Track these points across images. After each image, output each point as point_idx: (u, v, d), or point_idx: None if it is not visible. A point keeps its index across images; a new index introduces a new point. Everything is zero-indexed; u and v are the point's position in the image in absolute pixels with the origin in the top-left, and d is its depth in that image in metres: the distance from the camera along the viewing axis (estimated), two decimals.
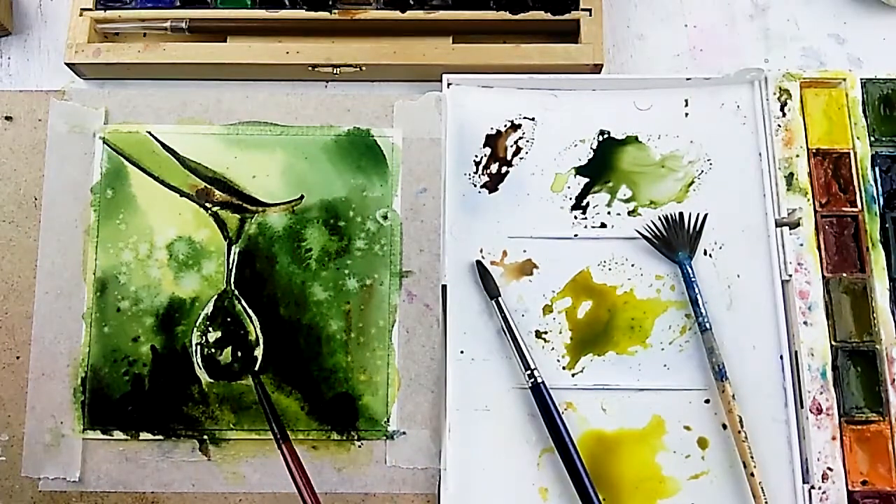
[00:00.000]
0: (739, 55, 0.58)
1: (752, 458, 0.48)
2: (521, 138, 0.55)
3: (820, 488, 0.49)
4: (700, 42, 0.59)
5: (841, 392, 0.50)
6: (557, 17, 0.56)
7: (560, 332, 0.52)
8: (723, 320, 0.51)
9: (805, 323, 0.51)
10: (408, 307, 0.52)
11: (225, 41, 0.56)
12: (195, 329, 0.51)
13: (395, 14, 0.56)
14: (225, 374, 0.51)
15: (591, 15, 0.56)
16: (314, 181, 0.53)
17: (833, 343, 0.51)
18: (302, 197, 0.53)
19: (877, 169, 0.54)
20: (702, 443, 0.50)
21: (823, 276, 0.52)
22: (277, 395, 0.50)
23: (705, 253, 0.52)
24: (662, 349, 0.51)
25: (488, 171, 0.54)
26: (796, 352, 0.51)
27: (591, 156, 0.54)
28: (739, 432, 0.48)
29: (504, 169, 0.54)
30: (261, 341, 0.51)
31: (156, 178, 0.53)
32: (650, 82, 0.55)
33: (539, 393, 0.49)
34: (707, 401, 0.50)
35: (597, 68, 0.56)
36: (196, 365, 0.51)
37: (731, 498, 0.49)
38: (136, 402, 0.50)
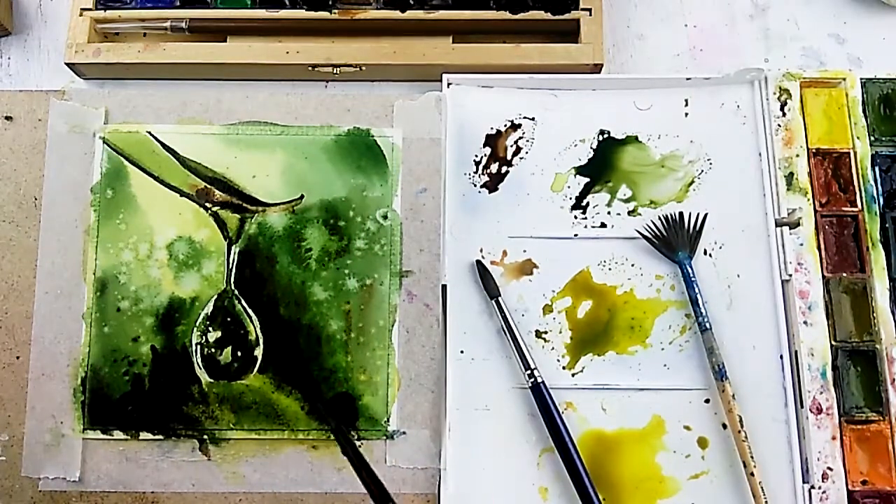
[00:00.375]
0: (739, 55, 0.58)
1: (752, 457, 0.48)
2: (521, 138, 0.55)
3: (820, 488, 0.49)
4: (700, 42, 0.59)
5: (841, 392, 0.50)
6: (557, 17, 0.56)
7: (560, 332, 0.52)
8: (723, 320, 0.51)
9: (805, 323, 0.51)
10: (408, 307, 0.52)
11: (225, 41, 0.56)
12: (195, 329, 0.51)
13: (395, 14, 0.56)
14: (225, 374, 0.51)
15: (591, 15, 0.56)
16: (314, 181, 0.53)
17: (833, 343, 0.51)
18: (302, 197, 0.53)
19: (877, 169, 0.54)
20: (702, 443, 0.50)
21: (823, 276, 0.52)
22: (277, 395, 0.50)
23: (705, 253, 0.52)
24: (662, 349, 0.51)
25: (488, 171, 0.54)
26: (796, 352, 0.51)
27: (591, 156, 0.54)
28: (739, 432, 0.48)
29: (504, 169, 0.54)
30: (261, 341, 0.51)
31: (156, 178, 0.53)
32: (650, 82, 0.55)
33: (539, 393, 0.49)
34: (707, 400, 0.50)
35: (597, 68, 0.56)
36: (196, 365, 0.51)
37: (731, 498, 0.49)
38: (136, 402, 0.50)
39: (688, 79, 0.55)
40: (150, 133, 0.54)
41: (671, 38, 0.59)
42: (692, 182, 0.54)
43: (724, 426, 0.50)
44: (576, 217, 0.53)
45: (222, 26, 0.56)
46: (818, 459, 0.49)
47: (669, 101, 0.55)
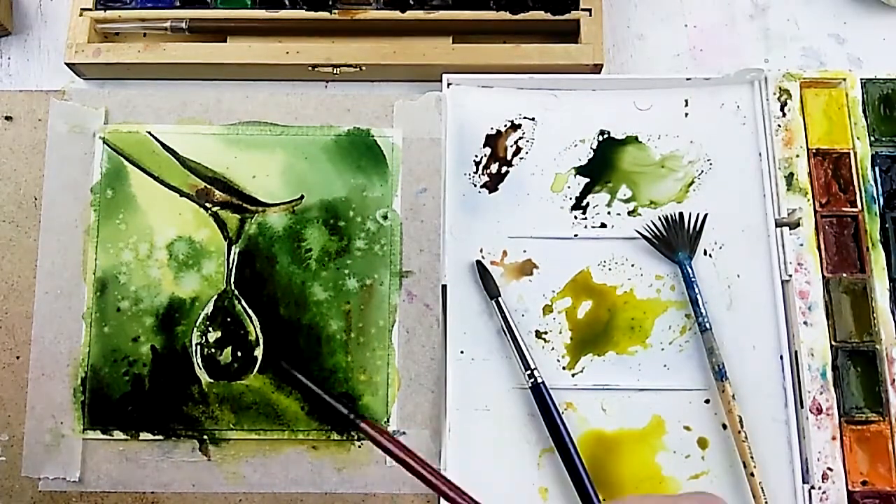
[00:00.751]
0: (739, 55, 0.58)
1: (752, 458, 0.48)
2: (521, 138, 0.55)
3: (820, 488, 0.49)
4: (700, 42, 0.59)
5: (841, 392, 0.50)
6: (557, 17, 0.56)
7: (560, 332, 0.52)
8: (723, 320, 0.51)
9: (805, 323, 0.51)
10: (408, 307, 0.52)
11: (225, 41, 0.56)
12: (195, 329, 0.51)
13: (395, 14, 0.56)
14: (225, 374, 0.51)
15: (591, 15, 0.56)
16: (314, 181, 0.53)
17: (833, 343, 0.51)
18: (302, 197, 0.53)
19: (877, 169, 0.54)
20: (702, 443, 0.50)
21: (823, 276, 0.52)
22: (277, 396, 0.50)
23: (705, 253, 0.52)
24: (662, 349, 0.51)
25: (488, 171, 0.54)
26: (796, 352, 0.51)
27: (591, 156, 0.54)
28: (739, 432, 0.48)
29: (504, 169, 0.54)
30: (261, 341, 0.51)
31: (156, 178, 0.53)
32: (650, 82, 0.55)
33: (539, 393, 0.49)
34: (707, 401, 0.50)
35: (597, 68, 0.56)
36: (196, 365, 0.51)
37: (731, 498, 0.49)
38: (136, 402, 0.50)
39: (688, 79, 0.55)
40: (150, 133, 0.54)
41: (671, 38, 0.59)
42: (692, 182, 0.54)
43: (724, 426, 0.50)
44: (576, 217, 0.53)
45: (222, 26, 0.56)
46: (818, 460, 0.49)
47: (669, 102, 0.55)
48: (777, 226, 0.52)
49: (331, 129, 0.54)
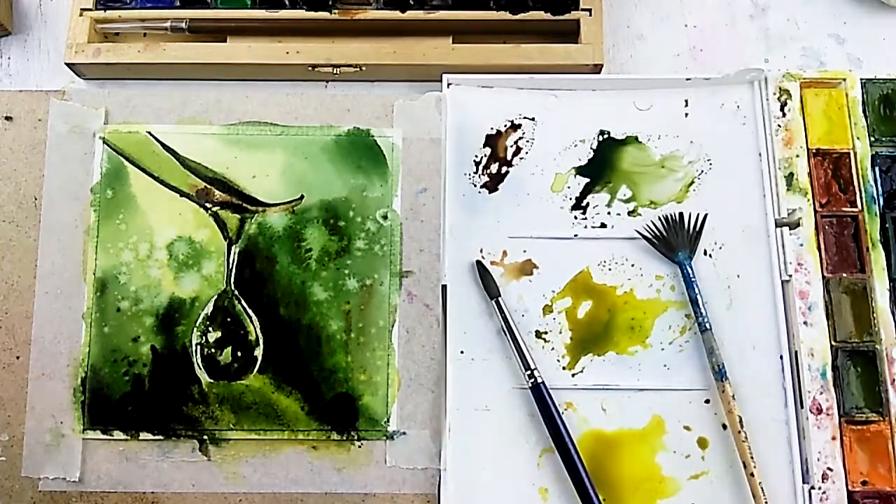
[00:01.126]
0: (739, 55, 0.58)
1: (752, 458, 0.48)
2: (521, 138, 0.55)
3: (820, 488, 0.49)
4: (700, 42, 0.59)
5: (841, 392, 0.50)
6: (557, 17, 0.56)
7: (560, 332, 0.52)
8: (723, 320, 0.51)
9: (805, 323, 0.51)
10: (408, 307, 0.52)
11: (225, 41, 0.56)
12: (195, 329, 0.51)
13: (395, 14, 0.56)
14: (225, 374, 0.51)
15: (591, 15, 0.56)
16: (314, 181, 0.53)
17: (833, 343, 0.51)
18: (302, 197, 0.53)
19: (877, 169, 0.54)
20: (702, 443, 0.50)
21: (823, 276, 0.52)
22: (277, 395, 0.50)
23: (705, 253, 0.52)
24: (662, 349, 0.51)
25: (488, 171, 0.54)
26: (796, 352, 0.51)
27: (591, 156, 0.54)
28: (739, 432, 0.48)
29: (504, 169, 0.54)
30: (261, 341, 0.51)
31: (156, 178, 0.53)
32: (650, 82, 0.55)
33: (539, 393, 0.49)
34: (707, 401, 0.50)
35: (597, 68, 0.56)
36: (196, 365, 0.51)
37: (731, 498, 0.49)
38: (136, 402, 0.50)
39: (688, 79, 0.55)
40: (150, 133, 0.54)
41: (671, 38, 0.59)
42: (692, 182, 0.54)
43: (724, 426, 0.50)
44: (576, 217, 0.53)
45: (222, 26, 0.56)
46: (818, 460, 0.49)
47: (669, 102, 0.55)
48: (777, 226, 0.52)
49: (331, 129, 0.54)
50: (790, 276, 0.51)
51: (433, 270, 0.52)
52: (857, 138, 0.54)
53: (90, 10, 0.56)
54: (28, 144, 0.53)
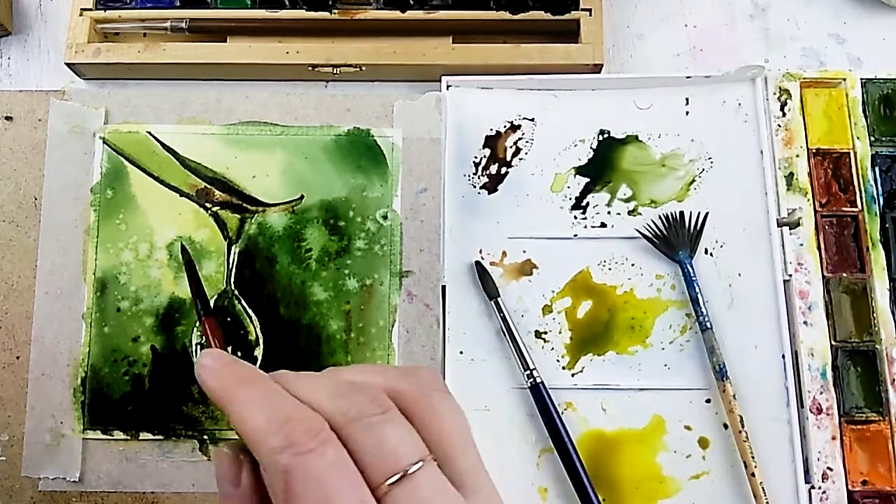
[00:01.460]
0: (739, 55, 0.58)
1: (753, 458, 0.48)
2: (520, 139, 0.55)
3: (820, 488, 0.49)
4: (700, 42, 0.59)
5: (841, 392, 0.50)
6: (557, 17, 0.56)
7: (560, 332, 0.52)
8: (724, 320, 0.51)
9: (805, 323, 0.51)
10: (408, 307, 0.52)
11: (225, 41, 0.56)
12: (195, 329, 0.51)
13: (395, 14, 0.56)
14: None
15: (591, 15, 0.56)
16: (314, 181, 0.53)
17: (833, 343, 0.51)
18: (302, 197, 0.53)
19: (877, 169, 0.54)
20: (702, 443, 0.50)
21: (823, 276, 0.52)
22: None
23: (706, 252, 0.52)
24: (663, 349, 0.51)
25: (488, 173, 0.54)
26: (796, 351, 0.51)
27: (590, 155, 0.54)
28: (740, 432, 0.48)
29: (503, 170, 0.54)
30: (261, 341, 0.51)
31: (156, 178, 0.53)
32: (650, 81, 0.55)
33: (538, 393, 0.49)
34: (708, 400, 0.50)
35: (597, 68, 0.56)
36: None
37: (732, 498, 0.49)
38: (136, 402, 0.50)
39: (688, 77, 0.55)
40: (150, 133, 0.54)
41: (671, 38, 0.59)
42: (693, 181, 0.54)
43: (725, 426, 0.50)
44: (575, 217, 0.53)
45: (222, 26, 0.56)
46: (818, 460, 0.49)
47: (670, 100, 0.55)
48: (777, 226, 0.52)
49: (331, 129, 0.54)
50: (790, 275, 0.51)
51: (433, 270, 0.52)
52: (857, 138, 0.54)
53: (90, 10, 0.56)
54: (28, 144, 0.53)
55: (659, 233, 0.52)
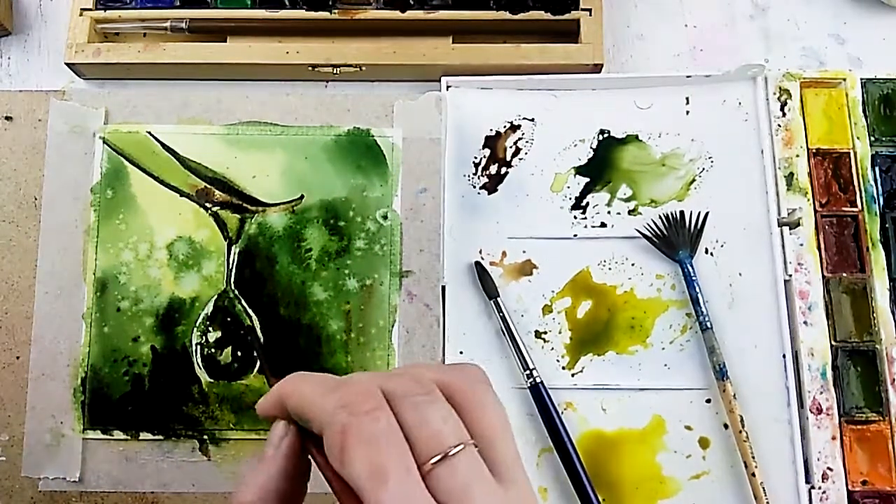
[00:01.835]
0: (739, 55, 0.58)
1: (753, 458, 0.48)
2: (520, 139, 0.55)
3: (820, 488, 0.49)
4: (700, 42, 0.59)
5: (841, 392, 0.50)
6: (557, 17, 0.56)
7: (560, 332, 0.52)
8: (724, 319, 0.51)
9: (805, 323, 0.51)
10: (408, 307, 0.52)
11: (225, 41, 0.56)
12: (195, 329, 0.51)
13: (395, 14, 0.56)
14: (225, 374, 0.51)
15: (591, 15, 0.56)
16: (314, 181, 0.53)
17: (833, 343, 0.51)
18: (302, 197, 0.53)
19: (877, 169, 0.54)
20: (703, 443, 0.50)
21: (823, 276, 0.52)
22: None
23: (706, 252, 0.52)
24: (663, 349, 0.51)
25: (487, 173, 0.54)
26: (796, 351, 0.51)
27: (590, 155, 0.54)
28: (740, 432, 0.48)
29: (503, 170, 0.54)
30: (261, 341, 0.51)
31: (156, 178, 0.53)
32: (650, 81, 0.55)
33: (538, 393, 0.49)
34: (708, 400, 0.50)
35: (597, 68, 0.56)
36: (196, 365, 0.51)
37: (732, 498, 0.49)
38: (136, 402, 0.50)
39: (688, 76, 0.55)
40: (150, 133, 0.54)
41: (671, 37, 0.59)
42: (693, 180, 0.54)
43: (726, 426, 0.50)
44: (575, 217, 0.53)
45: (222, 26, 0.56)
46: (818, 460, 0.49)
47: (670, 100, 0.55)
48: (777, 226, 0.52)
49: (331, 129, 0.54)
50: (790, 275, 0.51)
51: (433, 270, 0.52)
52: (857, 138, 0.54)
53: (90, 10, 0.56)
54: (28, 144, 0.53)
55: (659, 232, 0.52)
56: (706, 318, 0.50)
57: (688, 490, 0.49)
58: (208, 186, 0.53)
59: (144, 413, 0.50)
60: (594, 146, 0.54)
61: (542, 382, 0.49)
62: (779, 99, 0.54)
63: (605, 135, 0.55)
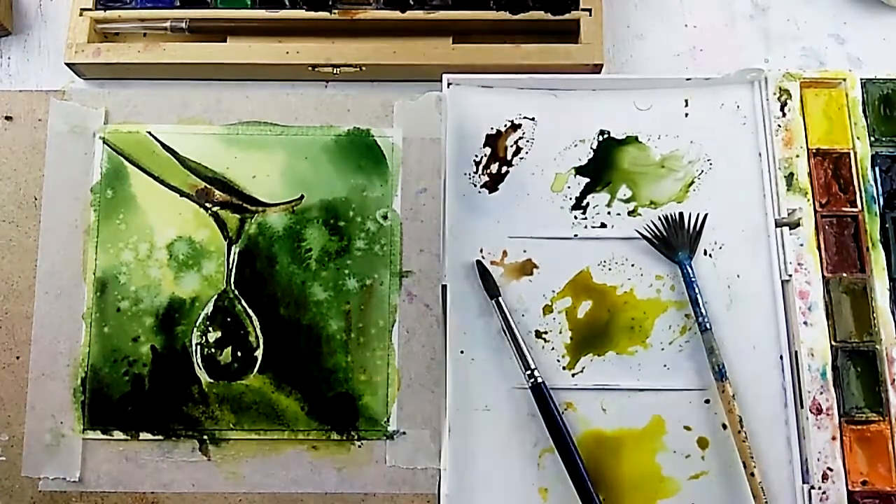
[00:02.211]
0: (739, 55, 0.58)
1: (752, 458, 0.48)
2: (521, 138, 0.55)
3: (820, 488, 0.49)
4: (700, 42, 0.59)
5: (841, 392, 0.50)
6: (557, 17, 0.56)
7: (560, 332, 0.52)
8: (723, 320, 0.51)
9: (805, 323, 0.51)
10: (408, 307, 0.52)
11: (225, 41, 0.56)
12: (195, 329, 0.51)
13: (395, 14, 0.56)
14: (225, 374, 0.51)
15: (591, 15, 0.56)
16: (314, 181, 0.53)
17: (833, 343, 0.51)
18: (302, 197, 0.53)
19: (877, 169, 0.54)
20: (702, 443, 0.50)
21: (823, 276, 0.52)
22: (277, 396, 0.50)
23: (705, 253, 0.52)
24: (662, 349, 0.51)
25: (488, 171, 0.54)
26: (796, 352, 0.51)
27: (591, 156, 0.54)
28: (739, 432, 0.48)
29: (504, 169, 0.54)
30: (261, 341, 0.51)
31: (156, 178, 0.53)
32: (650, 82, 0.55)
33: (539, 393, 0.49)
34: (707, 401, 0.50)
35: (597, 68, 0.56)
36: (196, 365, 0.51)
37: (731, 498, 0.49)
38: (136, 402, 0.50)
39: (688, 79, 0.55)
40: (150, 133, 0.54)
41: (671, 38, 0.59)
42: (692, 182, 0.54)
43: (724, 426, 0.50)
44: (576, 217, 0.53)
45: (222, 26, 0.56)
46: (818, 460, 0.49)
47: (669, 102, 0.55)
48: (777, 226, 0.52)
49: (331, 129, 0.54)
50: (790, 276, 0.51)
51: (433, 270, 0.52)
52: (857, 138, 0.54)
53: (90, 10, 0.56)
54: (28, 144, 0.53)
55: (658, 234, 0.52)
56: (705, 319, 0.50)
57: (687, 490, 0.49)
58: (208, 186, 0.53)
59: (144, 413, 0.50)
60: (594, 146, 0.55)
61: (543, 382, 0.49)
62: (779, 99, 0.54)
63: (606, 135, 0.55)
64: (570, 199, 0.54)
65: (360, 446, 0.50)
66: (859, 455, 0.49)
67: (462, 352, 0.51)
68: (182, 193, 0.53)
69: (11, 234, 0.52)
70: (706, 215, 0.53)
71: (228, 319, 0.51)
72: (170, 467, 0.50)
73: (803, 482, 0.49)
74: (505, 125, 0.55)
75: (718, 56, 0.58)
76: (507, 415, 0.50)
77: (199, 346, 0.51)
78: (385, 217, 0.53)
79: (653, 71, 0.58)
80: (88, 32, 0.56)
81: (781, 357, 0.50)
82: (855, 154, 0.54)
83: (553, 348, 0.51)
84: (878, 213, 0.53)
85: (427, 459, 0.50)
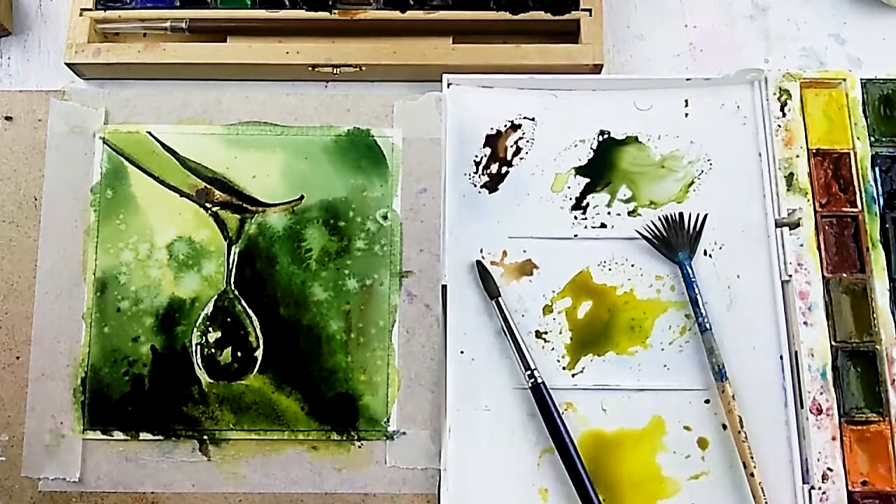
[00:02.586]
0: (739, 55, 0.58)
1: (752, 458, 0.48)
2: (521, 138, 0.55)
3: (820, 489, 0.49)
4: (700, 42, 0.59)
5: (841, 392, 0.50)
6: (557, 17, 0.56)
7: (560, 333, 0.52)
8: (723, 320, 0.51)
9: (805, 323, 0.51)
10: (408, 307, 0.52)
11: (225, 41, 0.56)
12: (195, 329, 0.51)
13: (395, 14, 0.56)
14: (225, 374, 0.51)
15: (591, 15, 0.56)
16: (314, 181, 0.53)
17: (833, 343, 0.51)
18: (302, 197, 0.53)
19: (877, 169, 0.54)
20: (702, 443, 0.50)
21: (823, 277, 0.52)
22: (277, 395, 0.50)
23: (705, 253, 0.52)
24: (662, 349, 0.51)
25: (488, 172, 0.54)
26: (796, 352, 0.51)
27: (591, 156, 0.54)
28: (739, 432, 0.48)
29: (504, 169, 0.54)
30: (261, 342, 0.51)
31: (156, 178, 0.53)
32: (650, 82, 0.55)
33: (539, 393, 0.49)
34: (707, 401, 0.50)
35: (597, 68, 0.56)
36: (196, 365, 0.51)
37: (731, 498, 0.49)
38: (136, 402, 0.50)
39: (688, 79, 0.55)
40: (150, 133, 0.54)
41: (671, 38, 0.59)
42: (692, 182, 0.54)
43: (724, 427, 0.50)
44: (576, 217, 0.53)
45: (222, 26, 0.56)
46: (818, 460, 0.49)
47: (669, 102, 0.55)
48: (777, 226, 0.52)
49: (331, 129, 0.54)
50: (790, 276, 0.51)
51: (433, 270, 0.52)
52: (857, 138, 0.54)
53: (90, 10, 0.56)
54: (28, 144, 0.53)
55: (658, 234, 0.52)
56: (705, 320, 0.50)
57: (687, 490, 0.49)
58: (208, 186, 0.53)
59: (144, 413, 0.50)
60: (594, 147, 0.55)
61: (543, 382, 0.49)
62: (779, 99, 0.54)
63: (606, 135, 0.55)
64: (570, 199, 0.54)
65: (360, 446, 0.50)
66: (859, 455, 0.49)
67: (462, 352, 0.51)
68: (182, 193, 0.53)
69: (11, 234, 0.52)
70: (706, 215, 0.53)
71: (228, 320, 0.51)
72: (170, 467, 0.50)
73: (803, 482, 0.49)
74: (505, 125, 0.55)
75: (718, 56, 0.58)
76: (507, 415, 0.50)
77: (199, 347, 0.51)
78: (385, 217, 0.53)
79: (653, 71, 0.58)
80: (88, 32, 0.56)
81: (781, 357, 0.50)
82: (855, 154, 0.54)
83: (553, 348, 0.51)
84: (878, 214, 0.53)
85: (427, 459, 0.50)
